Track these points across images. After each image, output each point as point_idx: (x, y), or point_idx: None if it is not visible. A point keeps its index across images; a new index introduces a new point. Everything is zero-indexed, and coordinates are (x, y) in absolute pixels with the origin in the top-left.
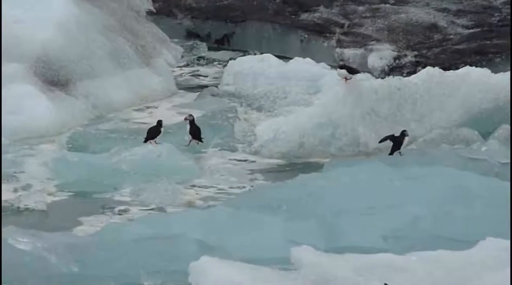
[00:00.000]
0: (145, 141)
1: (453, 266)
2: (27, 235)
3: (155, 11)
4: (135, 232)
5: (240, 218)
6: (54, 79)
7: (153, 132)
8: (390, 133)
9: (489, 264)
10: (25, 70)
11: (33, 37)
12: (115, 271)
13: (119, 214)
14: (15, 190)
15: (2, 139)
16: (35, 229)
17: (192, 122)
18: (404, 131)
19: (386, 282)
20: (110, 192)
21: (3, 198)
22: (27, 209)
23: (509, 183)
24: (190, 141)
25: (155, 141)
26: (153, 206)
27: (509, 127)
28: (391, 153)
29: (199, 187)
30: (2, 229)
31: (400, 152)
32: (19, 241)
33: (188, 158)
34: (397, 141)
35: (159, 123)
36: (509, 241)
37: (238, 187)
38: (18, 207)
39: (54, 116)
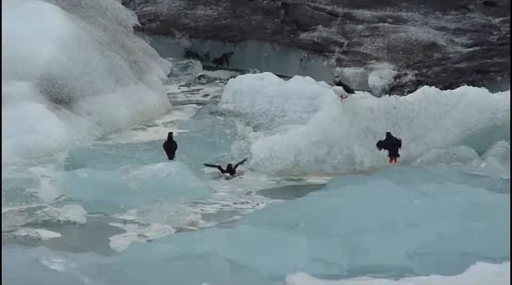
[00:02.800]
0: (170, 158)
1: None
2: (60, 255)
3: (140, 25)
4: (163, 251)
5: (264, 236)
6: (58, 97)
7: (171, 148)
8: (385, 152)
9: None
10: (32, 88)
11: (36, 54)
12: None
13: (137, 234)
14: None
15: (18, 158)
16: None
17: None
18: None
19: None
20: (119, 211)
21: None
22: (68, 221)
23: None
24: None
25: (174, 156)
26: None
27: (505, 144)
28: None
29: (203, 205)
30: (35, 250)
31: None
32: (52, 261)
33: (197, 179)
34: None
35: (171, 136)
36: (499, 266)
37: (242, 204)
38: (59, 220)
39: (65, 135)
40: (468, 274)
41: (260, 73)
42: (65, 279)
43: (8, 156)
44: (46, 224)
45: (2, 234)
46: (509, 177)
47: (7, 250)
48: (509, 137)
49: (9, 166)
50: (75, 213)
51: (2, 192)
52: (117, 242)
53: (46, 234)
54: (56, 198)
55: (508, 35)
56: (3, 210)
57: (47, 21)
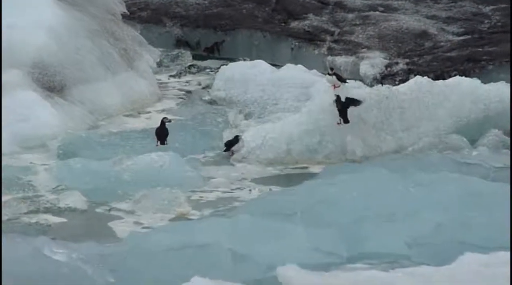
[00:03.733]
0: (160, 144)
1: (441, 282)
2: (61, 245)
3: (129, 13)
4: (163, 241)
5: (262, 226)
6: (51, 85)
7: (163, 134)
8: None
9: (473, 280)
10: (24, 76)
11: (27, 42)
12: (151, 281)
13: (134, 223)
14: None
15: (14, 147)
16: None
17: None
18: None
19: None
20: (115, 200)
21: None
22: (68, 208)
23: None
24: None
25: (166, 142)
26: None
27: (498, 133)
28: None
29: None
30: (37, 240)
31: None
32: (55, 252)
33: (192, 168)
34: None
35: (163, 122)
36: (487, 256)
37: (237, 192)
38: (59, 207)
39: (59, 123)
40: (457, 265)
41: (252, 61)
42: (68, 269)
43: (4, 145)
44: (48, 211)
45: (5, 222)
46: (501, 165)
47: (9, 240)
48: (502, 127)
49: (5, 155)
50: (75, 200)
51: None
52: (116, 231)
53: (48, 221)
54: (54, 188)
55: (499, 24)
56: (4, 199)
57: (38, 9)
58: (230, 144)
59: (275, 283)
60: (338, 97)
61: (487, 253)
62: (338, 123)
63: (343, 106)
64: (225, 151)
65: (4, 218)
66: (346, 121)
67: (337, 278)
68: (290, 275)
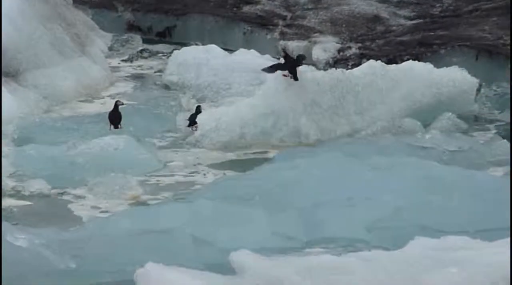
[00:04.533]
0: (113, 128)
1: (392, 266)
2: (23, 231)
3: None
4: (124, 226)
5: (223, 210)
6: (5, 70)
7: (116, 118)
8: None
9: (426, 264)
10: None
11: None
12: (113, 266)
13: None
14: None
15: None
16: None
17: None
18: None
19: None
20: (69, 186)
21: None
22: (29, 194)
23: (472, 172)
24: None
25: (120, 126)
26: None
27: (451, 116)
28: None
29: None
30: None
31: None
32: (17, 238)
33: (146, 151)
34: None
35: (117, 105)
36: (437, 241)
37: (193, 176)
38: (23, 194)
39: (15, 108)
40: (409, 249)
41: (205, 46)
42: (29, 255)
43: None
44: (9, 197)
45: None
46: (454, 149)
47: None
48: (455, 111)
49: None
50: (37, 185)
51: None
52: (76, 216)
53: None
54: (11, 174)
55: (451, 8)
56: None
57: None
58: (193, 117)
59: None
60: (286, 54)
61: (443, 236)
62: (284, 75)
63: (293, 63)
64: (189, 126)
65: None
66: (296, 78)
67: (291, 263)
68: (243, 260)
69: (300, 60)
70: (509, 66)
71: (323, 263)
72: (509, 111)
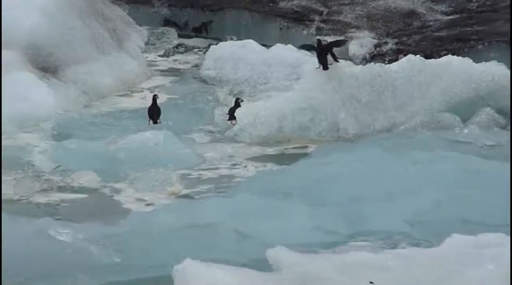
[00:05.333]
0: (152, 123)
1: (430, 263)
2: (66, 226)
3: None
4: (167, 221)
5: (264, 205)
6: (45, 65)
7: (155, 113)
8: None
9: (462, 261)
10: (19, 57)
11: (20, 23)
12: (156, 261)
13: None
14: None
15: (12, 127)
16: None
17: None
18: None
19: (371, 281)
20: (111, 180)
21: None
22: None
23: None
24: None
25: (159, 120)
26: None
27: (490, 111)
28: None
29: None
30: (41, 221)
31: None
32: (60, 232)
33: (186, 146)
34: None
35: (155, 99)
36: (473, 237)
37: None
38: (72, 186)
39: (56, 103)
40: (445, 246)
41: (242, 41)
42: (73, 250)
43: (2, 125)
44: (49, 192)
45: (13, 202)
46: (492, 143)
47: (14, 222)
48: (493, 107)
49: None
50: (88, 179)
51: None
52: (120, 210)
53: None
54: (54, 169)
55: (488, 3)
56: (12, 177)
57: None
58: (232, 110)
59: None
60: (319, 41)
61: (482, 229)
62: (316, 68)
63: (323, 50)
64: (229, 119)
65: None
66: (325, 67)
67: (327, 259)
68: (280, 256)
69: (336, 45)
70: None
71: (359, 260)
72: None
